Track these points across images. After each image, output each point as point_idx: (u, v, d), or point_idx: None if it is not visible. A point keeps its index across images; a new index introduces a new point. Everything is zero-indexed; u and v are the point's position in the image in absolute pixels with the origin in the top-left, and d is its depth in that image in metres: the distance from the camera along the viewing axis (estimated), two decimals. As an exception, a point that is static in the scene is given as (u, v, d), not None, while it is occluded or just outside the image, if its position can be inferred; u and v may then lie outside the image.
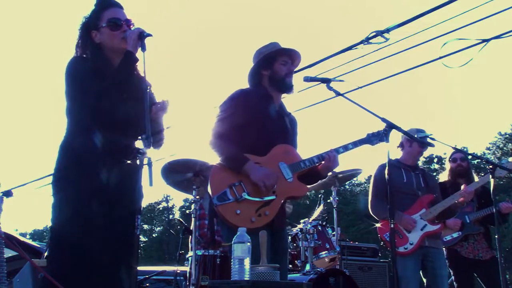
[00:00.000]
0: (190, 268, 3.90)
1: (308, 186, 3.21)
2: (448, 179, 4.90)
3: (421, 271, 4.21)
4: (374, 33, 5.09)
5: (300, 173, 3.06)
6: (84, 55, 2.56)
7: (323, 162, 3.10)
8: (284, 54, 3.17)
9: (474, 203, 4.71)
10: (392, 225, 2.70)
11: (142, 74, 2.44)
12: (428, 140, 4.27)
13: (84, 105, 2.45)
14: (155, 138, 2.53)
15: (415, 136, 4.14)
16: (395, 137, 4.26)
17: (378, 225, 4.35)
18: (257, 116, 3.04)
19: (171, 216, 45.95)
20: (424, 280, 4.26)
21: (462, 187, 4.36)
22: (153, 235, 47.42)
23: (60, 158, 2.47)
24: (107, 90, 2.41)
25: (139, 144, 2.56)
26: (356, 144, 3.22)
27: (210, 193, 2.90)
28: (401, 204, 4.23)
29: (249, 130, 2.99)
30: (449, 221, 4.57)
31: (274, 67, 3.14)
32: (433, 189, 4.43)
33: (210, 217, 4.07)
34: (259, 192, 2.90)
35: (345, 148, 3.18)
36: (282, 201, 2.98)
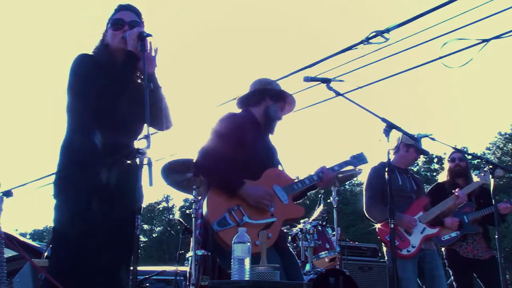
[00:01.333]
0: (190, 268, 3.90)
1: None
2: (447, 180, 4.90)
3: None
4: (374, 33, 5.09)
5: (294, 195, 3.12)
6: (92, 53, 2.59)
7: (319, 181, 3.20)
8: (288, 103, 3.27)
9: (473, 203, 4.71)
10: (392, 225, 2.70)
11: (142, 74, 2.45)
12: (428, 139, 4.27)
13: (85, 104, 2.45)
14: (161, 121, 2.56)
15: (413, 142, 4.17)
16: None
17: (378, 225, 4.34)
18: (247, 140, 3.04)
19: (171, 216, 45.96)
20: (422, 284, 4.26)
21: (456, 191, 4.36)
22: (153, 235, 47.42)
23: (61, 158, 2.48)
24: (108, 90, 2.41)
25: (139, 143, 2.56)
26: (341, 165, 3.40)
27: (208, 219, 2.85)
28: (398, 207, 4.21)
29: (240, 153, 2.98)
30: (447, 220, 4.58)
31: (277, 104, 3.21)
32: (424, 192, 4.49)
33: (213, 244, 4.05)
34: (259, 215, 2.91)
35: (332, 170, 3.29)
36: (281, 223, 3.00)
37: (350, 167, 3.59)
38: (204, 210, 2.91)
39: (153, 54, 2.54)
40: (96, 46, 2.64)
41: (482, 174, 4.47)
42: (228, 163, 2.92)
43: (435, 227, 4.22)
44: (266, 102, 3.18)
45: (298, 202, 3.25)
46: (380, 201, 4.24)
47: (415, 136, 4.14)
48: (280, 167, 3.25)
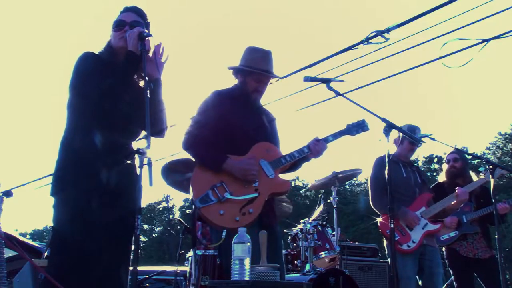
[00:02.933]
0: (190, 268, 3.90)
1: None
2: (445, 180, 4.91)
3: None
4: (374, 33, 5.08)
5: (282, 168, 3.10)
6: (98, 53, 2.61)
7: (310, 153, 3.13)
8: (261, 76, 3.17)
9: (472, 203, 4.72)
10: (391, 225, 2.70)
11: (143, 74, 2.45)
12: (428, 139, 4.27)
13: (85, 103, 2.46)
14: (157, 123, 2.59)
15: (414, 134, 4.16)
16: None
17: (379, 219, 4.33)
18: (233, 116, 3.05)
19: (171, 216, 45.88)
20: (419, 279, 4.26)
21: (457, 189, 4.36)
22: (153, 235, 47.42)
23: (60, 157, 2.48)
24: (109, 90, 2.42)
25: (139, 143, 2.56)
26: (336, 135, 3.27)
27: (192, 196, 2.90)
28: (400, 201, 4.22)
29: (226, 131, 3.01)
30: (446, 219, 4.58)
31: (247, 79, 3.17)
32: (428, 186, 4.46)
33: (192, 221, 4.09)
34: (241, 191, 2.92)
35: (326, 140, 3.22)
36: (266, 198, 2.99)
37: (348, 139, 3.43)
38: (190, 188, 2.94)
39: (163, 60, 2.58)
40: (104, 47, 2.66)
41: (488, 173, 4.44)
42: (212, 141, 2.96)
43: (436, 223, 4.21)
44: (238, 78, 3.21)
45: (293, 171, 3.28)
46: (385, 193, 4.22)
47: (414, 135, 4.15)
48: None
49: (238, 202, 2.89)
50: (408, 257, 4.09)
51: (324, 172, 5.04)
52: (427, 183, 4.48)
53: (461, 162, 4.87)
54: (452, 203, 4.30)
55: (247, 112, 3.15)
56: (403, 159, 4.43)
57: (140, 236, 2.20)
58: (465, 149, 28.88)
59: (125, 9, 2.69)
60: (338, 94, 2.99)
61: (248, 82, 3.16)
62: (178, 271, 4.72)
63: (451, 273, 4.72)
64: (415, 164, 4.65)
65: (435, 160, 37.35)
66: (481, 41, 4.67)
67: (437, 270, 4.15)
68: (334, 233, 4.61)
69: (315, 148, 3.14)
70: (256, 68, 3.14)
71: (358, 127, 3.31)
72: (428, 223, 4.18)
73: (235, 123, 3.05)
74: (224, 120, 3.01)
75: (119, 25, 2.61)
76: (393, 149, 4.46)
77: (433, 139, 3.97)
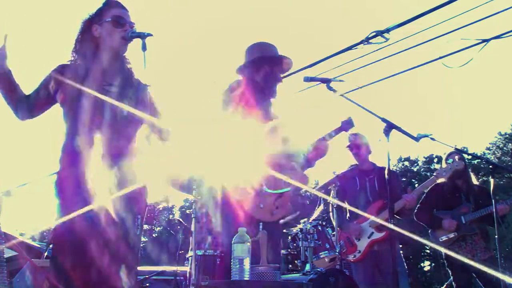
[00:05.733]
0: (190, 268, 3.90)
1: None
2: (445, 181, 4.87)
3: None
4: (374, 33, 5.09)
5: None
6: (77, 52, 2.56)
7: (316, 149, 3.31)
8: (285, 64, 3.34)
9: (471, 204, 4.70)
10: (391, 226, 2.71)
11: (142, 74, 2.45)
12: (428, 139, 4.26)
13: (76, 107, 2.45)
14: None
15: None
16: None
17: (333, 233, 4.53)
18: (253, 105, 3.12)
19: (171, 216, 45.88)
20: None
21: (404, 196, 4.39)
22: (153, 235, 47.40)
23: (60, 160, 2.48)
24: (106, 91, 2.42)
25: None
26: (337, 131, 3.52)
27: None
28: (356, 214, 4.43)
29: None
30: (444, 222, 4.59)
31: (275, 68, 3.27)
32: (391, 190, 4.44)
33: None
34: (275, 185, 3.01)
35: (330, 136, 3.41)
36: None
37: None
38: None
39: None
40: (81, 39, 2.57)
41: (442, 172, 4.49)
42: None
43: (381, 231, 4.30)
44: (264, 68, 3.27)
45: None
46: (342, 209, 4.51)
47: (416, 136, 4.14)
48: None
49: (273, 196, 2.99)
50: (359, 264, 4.34)
51: (323, 172, 5.04)
52: (386, 188, 4.46)
53: (463, 162, 4.85)
54: (401, 205, 4.34)
55: (264, 105, 3.23)
56: (360, 167, 4.58)
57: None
58: (465, 149, 28.85)
59: (116, 5, 2.59)
60: (338, 94, 3.00)
61: (275, 72, 3.27)
62: (178, 271, 4.73)
63: (450, 273, 4.71)
64: (382, 167, 4.56)
65: (435, 160, 37.32)
66: (481, 41, 4.67)
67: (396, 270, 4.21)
68: (334, 233, 4.62)
69: (321, 143, 3.31)
70: (285, 57, 3.31)
71: (349, 124, 3.61)
72: (374, 232, 4.26)
73: (254, 112, 3.13)
74: (246, 109, 3.10)
75: (118, 22, 2.53)
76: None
77: (433, 139, 3.96)
